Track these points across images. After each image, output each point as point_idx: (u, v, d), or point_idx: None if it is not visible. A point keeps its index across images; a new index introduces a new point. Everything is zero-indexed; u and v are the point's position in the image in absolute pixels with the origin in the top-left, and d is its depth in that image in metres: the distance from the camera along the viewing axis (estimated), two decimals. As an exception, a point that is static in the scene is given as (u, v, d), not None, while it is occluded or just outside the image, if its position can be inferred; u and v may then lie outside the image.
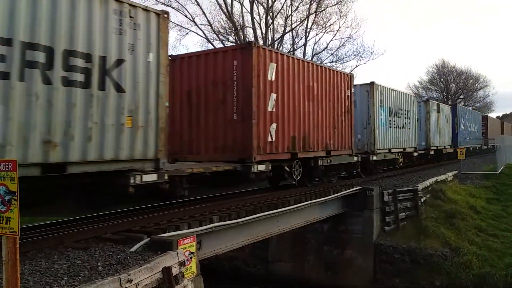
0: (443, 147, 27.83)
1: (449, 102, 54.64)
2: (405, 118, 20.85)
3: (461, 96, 66.03)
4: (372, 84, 18.03)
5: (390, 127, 19.01)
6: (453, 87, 65.91)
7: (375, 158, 17.61)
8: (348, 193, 13.71)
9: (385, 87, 19.04)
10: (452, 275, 12.52)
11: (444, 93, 63.98)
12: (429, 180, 17.89)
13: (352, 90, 15.67)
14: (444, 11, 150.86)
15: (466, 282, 12.27)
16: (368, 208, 13.80)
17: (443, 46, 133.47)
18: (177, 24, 30.53)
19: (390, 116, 19.08)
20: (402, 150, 20.41)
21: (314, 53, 33.90)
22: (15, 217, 4.04)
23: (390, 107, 19.09)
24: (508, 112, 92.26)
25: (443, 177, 19.73)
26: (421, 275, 12.77)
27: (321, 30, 33.58)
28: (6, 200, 4.08)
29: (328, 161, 14.07)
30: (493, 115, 65.71)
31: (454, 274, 12.49)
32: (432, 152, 25.37)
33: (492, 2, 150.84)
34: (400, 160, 20.26)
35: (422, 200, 15.79)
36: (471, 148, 34.96)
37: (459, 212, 15.58)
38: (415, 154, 22.11)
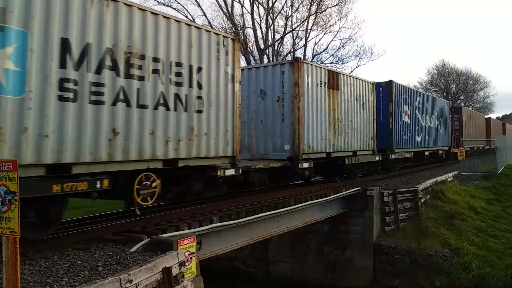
0: (349, 154, 15.48)
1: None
2: (183, 85, 8.58)
3: (461, 97, 66.07)
4: None
5: (84, 102, 6.84)
6: (453, 88, 65.92)
7: None
8: (348, 193, 13.70)
9: None
10: (452, 275, 12.51)
11: (445, 94, 63.99)
12: (429, 181, 17.87)
13: None
14: (444, 11, 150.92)
15: (466, 283, 12.26)
16: (368, 209, 13.79)
17: (443, 46, 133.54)
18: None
19: (71, 66, 6.64)
20: (159, 166, 8.13)
21: (314, 54, 33.93)
22: (15, 217, 4.06)
23: (70, 40, 6.62)
24: (508, 113, 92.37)
25: (443, 177, 19.71)
26: (421, 276, 12.77)
27: (321, 31, 33.64)
28: (7, 200, 4.09)
29: None
30: (493, 115, 65.35)
31: (454, 275, 12.48)
32: (306, 165, 12.90)
33: (492, 2, 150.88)
34: (148, 192, 7.94)
35: (422, 200, 15.78)
36: (426, 153, 23.92)
37: (459, 213, 15.58)
38: (230, 172, 9.70)
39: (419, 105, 22.72)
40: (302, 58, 14.89)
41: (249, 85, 13.48)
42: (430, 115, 24.52)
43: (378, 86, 18.69)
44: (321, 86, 13.95)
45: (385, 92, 19.31)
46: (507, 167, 24.08)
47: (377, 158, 17.64)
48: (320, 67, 14.35)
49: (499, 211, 17.24)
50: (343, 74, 15.70)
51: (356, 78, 16.57)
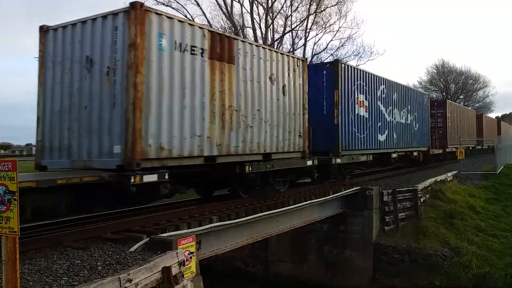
0: (255, 158, 10.60)
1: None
2: None
3: (461, 96, 66.13)
4: None
5: None
6: (452, 87, 66.00)
7: None
8: (348, 193, 13.69)
9: None
10: (451, 275, 12.51)
11: (444, 93, 64.08)
12: (428, 180, 17.88)
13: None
14: (444, 11, 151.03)
15: (466, 282, 12.26)
16: (368, 208, 13.79)
17: (442, 46, 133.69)
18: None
19: None
20: None
21: (314, 53, 33.88)
22: (14, 217, 4.05)
23: None
24: (507, 113, 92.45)
25: (442, 177, 19.73)
26: (421, 275, 12.77)
27: (321, 31, 33.53)
28: (6, 200, 4.09)
29: None
30: (492, 115, 65.12)
31: (454, 274, 12.48)
32: (154, 178, 7.79)
33: (492, 2, 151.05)
34: None
35: (422, 200, 15.79)
36: (393, 155, 18.99)
37: (458, 212, 15.58)
38: None
39: (383, 96, 17.64)
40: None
41: (72, 51, 8.47)
42: (401, 109, 19.61)
43: (320, 67, 14.85)
44: (194, 54, 8.86)
45: (329, 76, 14.35)
46: (507, 167, 24.10)
47: (309, 163, 12.51)
48: (191, 24, 9.06)
49: (498, 211, 17.25)
50: (242, 41, 10.47)
51: (269, 50, 11.42)
